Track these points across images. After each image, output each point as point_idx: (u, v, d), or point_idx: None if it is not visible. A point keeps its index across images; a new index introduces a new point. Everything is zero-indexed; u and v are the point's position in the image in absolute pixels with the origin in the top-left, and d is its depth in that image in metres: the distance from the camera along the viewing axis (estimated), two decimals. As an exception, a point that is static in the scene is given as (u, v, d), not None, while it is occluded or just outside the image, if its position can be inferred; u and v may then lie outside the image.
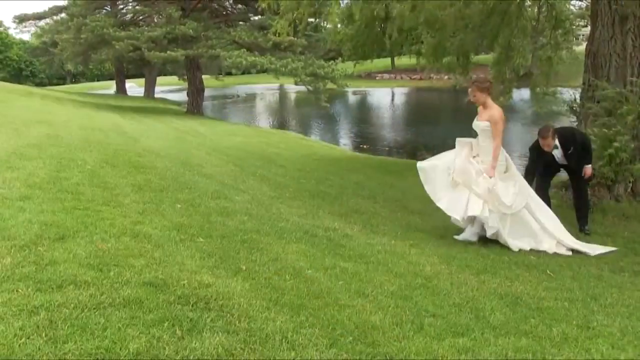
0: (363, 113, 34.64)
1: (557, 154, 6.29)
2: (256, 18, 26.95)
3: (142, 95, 40.95)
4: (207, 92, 30.29)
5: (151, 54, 22.87)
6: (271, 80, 36.69)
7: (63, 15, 31.63)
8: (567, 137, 6.25)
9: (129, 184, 5.48)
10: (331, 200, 7.03)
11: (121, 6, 31.48)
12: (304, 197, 6.99)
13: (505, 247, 5.43)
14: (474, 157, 5.62)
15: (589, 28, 8.18)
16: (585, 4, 12.16)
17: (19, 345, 2.15)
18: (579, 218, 6.53)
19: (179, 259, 3.40)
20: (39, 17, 36.87)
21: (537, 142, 6.30)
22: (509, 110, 11.36)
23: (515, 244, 5.47)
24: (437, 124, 25.62)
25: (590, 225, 6.50)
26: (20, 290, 2.60)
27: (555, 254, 5.49)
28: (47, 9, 35.16)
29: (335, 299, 3.18)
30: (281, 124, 27.55)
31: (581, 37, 15.32)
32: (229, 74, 41.55)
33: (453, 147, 5.79)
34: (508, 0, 10.28)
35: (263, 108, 39.73)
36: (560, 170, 6.64)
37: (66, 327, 2.32)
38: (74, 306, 2.51)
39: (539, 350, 2.81)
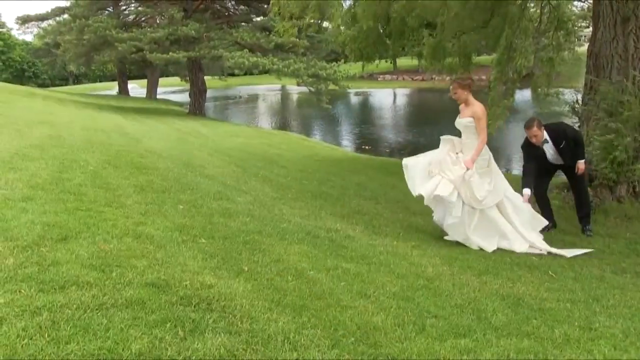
0: (365, 114, 34.63)
1: (549, 149, 6.26)
2: (258, 19, 27.02)
3: (144, 96, 41.07)
4: (209, 93, 30.29)
5: (153, 55, 22.93)
6: (273, 81, 36.81)
7: (65, 16, 31.62)
8: (558, 132, 6.22)
9: (131, 185, 5.48)
10: (333, 201, 7.03)
11: (123, 7, 31.57)
12: (306, 198, 6.99)
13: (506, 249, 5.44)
14: (456, 153, 5.60)
15: (591, 29, 8.16)
16: (587, 5, 12.14)
17: (22, 345, 2.16)
18: (581, 219, 6.52)
19: (181, 259, 3.41)
20: (41, 18, 36.91)
21: (526, 139, 6.26)
22: (510, 111, 11.33)
23: (476, 241, 5.41)
24: (438, 124, 25.54)
25: (592, 226, 6.49)
26: (22, 291, 2.61)
27: (549, 253, 5.46)
28: (49, 10, 35.17)
29: (337, 300, 3.18)
30: (283, 125, 27.55)
31: (583, 38, 15.28)
32: (232, 74, 41.58)
33: None
34: (510, 0, 10.28)
35: (265, 109, 39.77)
36: (556, 170, 6.62)
37: (69, 328, 2.32)
38: (77, 307, 2.51)
39: (541, 352, 2.80)
